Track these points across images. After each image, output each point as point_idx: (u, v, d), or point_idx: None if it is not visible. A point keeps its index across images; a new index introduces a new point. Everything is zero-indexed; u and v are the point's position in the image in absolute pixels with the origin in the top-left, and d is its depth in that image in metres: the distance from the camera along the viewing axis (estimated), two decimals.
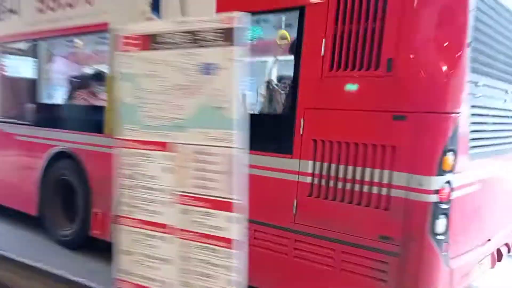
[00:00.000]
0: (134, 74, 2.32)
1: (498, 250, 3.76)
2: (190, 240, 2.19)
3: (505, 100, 3.54)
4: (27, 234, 5.27)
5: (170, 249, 2.27)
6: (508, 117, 3.64)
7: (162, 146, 2.25)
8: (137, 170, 2.35)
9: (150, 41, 2.25)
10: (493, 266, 3.74)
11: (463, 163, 2.85)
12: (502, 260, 3.84)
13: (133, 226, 2.39)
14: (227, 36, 2.00)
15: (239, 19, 1.98)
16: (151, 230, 2.32)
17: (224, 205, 2.08)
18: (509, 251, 3.99)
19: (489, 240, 3.59)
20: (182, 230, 2.22)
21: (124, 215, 2.43)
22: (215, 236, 2.11)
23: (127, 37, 2.34)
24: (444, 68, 2.64)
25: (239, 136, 2.03)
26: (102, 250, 4.09)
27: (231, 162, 2.05)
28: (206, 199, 2.13)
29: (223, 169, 2.07)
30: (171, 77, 2.18)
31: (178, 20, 2.30)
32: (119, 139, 2.42)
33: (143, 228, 2.35)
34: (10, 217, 5.60)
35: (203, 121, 2.11)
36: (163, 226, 2.29)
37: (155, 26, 2.37)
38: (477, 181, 3.12)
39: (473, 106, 2.88)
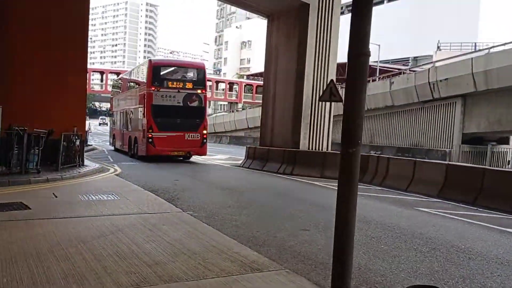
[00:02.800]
0: None
1: (187, 153, 18.15)
2: None
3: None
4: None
5: None
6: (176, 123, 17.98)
7: None
8: None
9: None
10: (189, 157, 18.61)
11: (157, 131, 17.60)
12: (191, 157, 18.41)
13: None
14: None
15: None
16: None
17: None
18: (190, 155, 18.74)
19: (181, 148, 17.87)
20: None
21: None
22: None
23: None
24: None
25: None
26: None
27: None
28: None
29: None
30: None
31: None
32: None
33: None
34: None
35: None
36: None
37: None
38: (164, 135, 17.70)
39: (159, 122, 17.64)
